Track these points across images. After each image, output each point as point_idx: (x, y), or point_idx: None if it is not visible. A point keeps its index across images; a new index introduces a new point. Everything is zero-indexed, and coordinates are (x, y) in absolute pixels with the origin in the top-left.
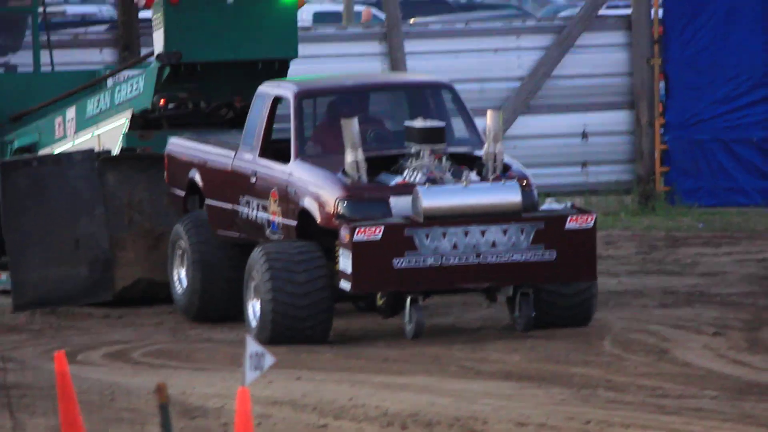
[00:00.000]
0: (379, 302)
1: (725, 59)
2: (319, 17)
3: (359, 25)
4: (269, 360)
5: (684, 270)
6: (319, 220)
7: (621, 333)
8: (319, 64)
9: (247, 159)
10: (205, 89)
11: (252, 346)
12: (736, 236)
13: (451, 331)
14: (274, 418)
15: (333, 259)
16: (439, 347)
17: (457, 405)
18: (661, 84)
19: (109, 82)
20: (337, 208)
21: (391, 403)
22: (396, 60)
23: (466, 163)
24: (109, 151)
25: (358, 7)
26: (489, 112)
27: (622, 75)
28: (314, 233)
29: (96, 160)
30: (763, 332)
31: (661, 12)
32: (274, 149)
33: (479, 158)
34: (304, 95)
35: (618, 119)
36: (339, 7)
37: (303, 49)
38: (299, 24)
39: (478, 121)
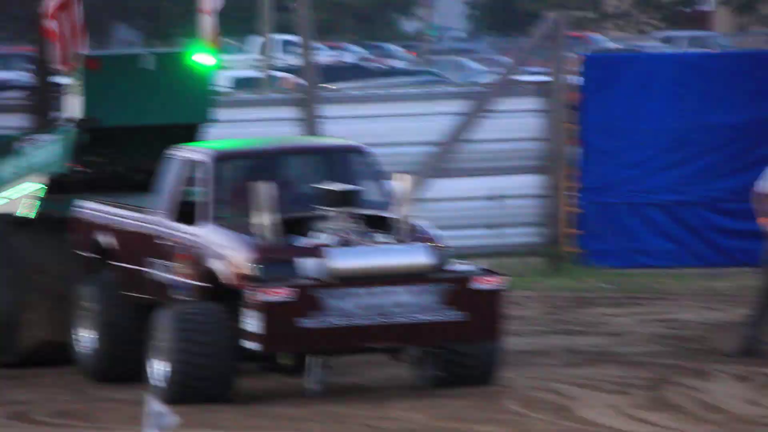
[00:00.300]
0: (283, 361)
1: (639, 125)
2: (240, 83)
3: (278, 90)
4: (173, 419)
5: (589, 330)
6: (226, 280)
7: (525, 391)
8: (235, 128)
9: (155, 221)
10: (116, 153)
11: (154, 405)
12: (641, 297)
13: (354, 390)
14: None
15: (237, 319)
16: (343, 406)
17: None
18: (576, 149)
19: (25, 146)
20: (247, 269)
21: None
22: (312, 125)
23: (376, 225)
24: (14, 214)
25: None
26: (399, 175)
27: (536, 140)
28: (219, 294)
29: (3, 222)
30: (666, 391)
31: (577, 79)
32: (184, 212)
33: (389, 220)
34: (217, 158)
35: (528, 183)
36: (260, 74)
37: (221, 113)
38: (220, 89)
39: (390, 184)
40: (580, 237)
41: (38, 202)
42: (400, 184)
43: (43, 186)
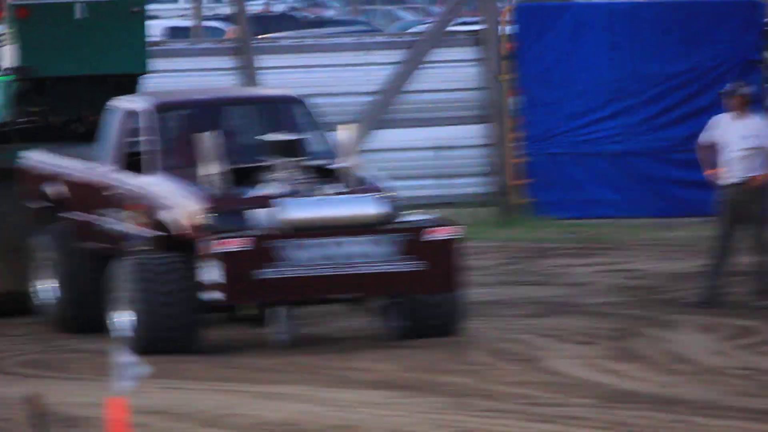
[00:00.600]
0: (245, 311)
1: (575, 75)
2: (172, 32)
3: (210, 40)
4: (143, 369)
5: (549, 280)
6: (176, 231)
7: (492, 342)
8: (173, 78)
9: (103, 172)
10: (56, 104)
11: (123, 355)
12: (598, 247)
13: (323, 341)
14: (150, 427)
15: (193, 270)
16: (311, 356)
17: (333, 414)
18: (514, 99)
19: None
20: (200, 219)
21: (267, 411)
22: (249, 75)
23: (323, 175)
24: None
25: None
26: (340, 127)
27: (475, 90)
28: (174, 245)
29: None
30: (631, 341)
31: (510, 28)
32: (129, 162)
33: (336, 171)
34: (160, 109)
35: (472, 133)
36: (191, 23)
37: (155, 63)
38: (151, 39)
39: (331, 136)
40: (530, 187)
41: None
42: (344, 134)
43: None
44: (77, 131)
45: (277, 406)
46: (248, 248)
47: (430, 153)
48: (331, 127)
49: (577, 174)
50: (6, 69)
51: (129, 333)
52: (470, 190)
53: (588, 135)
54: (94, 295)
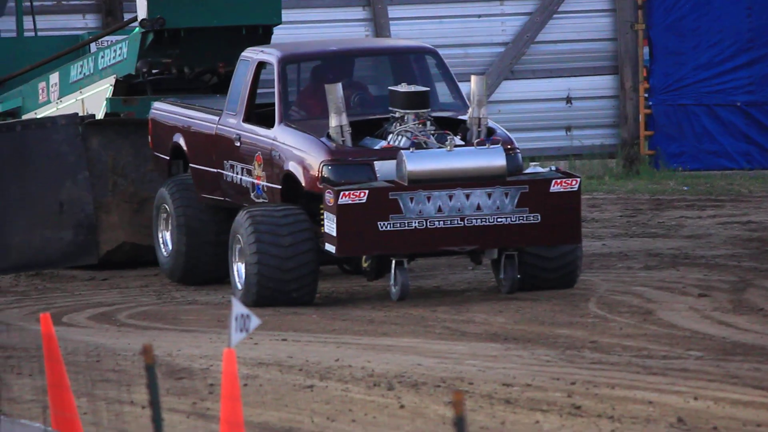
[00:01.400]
0: (365, 265)
1: (708, 24)
2: None
3: None
4: (255, 322)
5: (668, 233)
6: (303, 183)
7: (606, 295)
8: (303, 29)
9: (232, 124)
10: (189, 55)
11: (238, 307)
12: (720, 199)
13: (436, 294)
14: (260, 379)
15: (318, 222)
16: (424, 309)
17: (443, 366)
18: (645, 49)
19: (93, 47)
20: (322, 171)
21: (377, 363)
22: (380, 25)
23: (450, 127)
24: (93, 116)
25: None
26: (473, 77)
27: (606, 40)
28: (299, 197)
29: (80, 124)
30: (748, 293)
31: None
32: (258, 114)
33: (464, 123)
34: (289, 60)
35: (602, 84)
36: None
37: (286, 15)
38: None
39: (463, 87)
40: (653, 138)
41: (107, 104)
42: (474, 85)
43: (112, 87)
44: (210, 82)
45: (388, 359)
46: (361, 201)
47: (560, 104)
48: (462, 78)
49: (705, 125)
50: (141, 20)
51: (244, 285)
52: (596, 141)
53: (718, 86)
54: (213, 248)
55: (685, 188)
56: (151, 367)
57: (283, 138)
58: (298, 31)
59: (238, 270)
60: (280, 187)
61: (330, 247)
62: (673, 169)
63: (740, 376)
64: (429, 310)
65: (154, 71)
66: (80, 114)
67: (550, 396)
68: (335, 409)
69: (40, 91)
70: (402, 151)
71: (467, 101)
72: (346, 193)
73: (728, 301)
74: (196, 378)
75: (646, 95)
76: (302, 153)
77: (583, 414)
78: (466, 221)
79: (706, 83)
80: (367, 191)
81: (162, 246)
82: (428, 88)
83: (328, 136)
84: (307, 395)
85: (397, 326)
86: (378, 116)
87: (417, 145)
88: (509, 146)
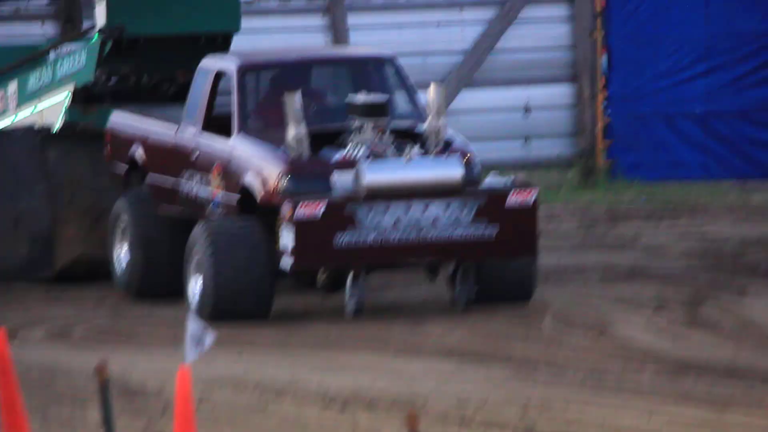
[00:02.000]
0: (321, 279)
1: (667, 33)
2: None
3: None
4: (210, 337)
5: (625, 245)
6: (260, 196)
7: (561, 309)
8: (262, 38)
9: (190, 134)
10: (148, 63)
11: (193, 323)
12: (676, 211)
13: (391, 309)
14: (214, 400)
15: (274, 235)
16: (380, 325)
17: (398, 384)
18: (604, 58)
19: (51, 55)
20: (279, 183)
21: (332, 381)
22: (339, 33)
23: (409, 137)
24: (50, 128)
25: None
26: (432, 86)
27: (565, 48)
28: (256, 209)
29: (37, 136)
30: (704, 308)
31: None
32: (217, 124)
33: (422, 133)
34: (247, 69)
35: (560, 93)
36: None
37: (245, 22)
38: None
39: (421, 95)
40: (610, 148)
41: (65, 113)
42: (433, 94)
43: (70, 96)
44: (169, 91)
45: (343, 377)
46: (320, 213)
47: (519, 113)
48: (421, 86)
49: (662, 135)
50: (100, 28)
51: (200, 299)
52: (554, 151)
53: (675, 95)
54: (169, 261)
55: (643, 199)
56: (105, 387)
57: (240, 148)
58: (258, 39)
59: (195, 284)
60: (237, 199)
61: (287, 261)
62: (630, 180)
63: (694, 394)
64: (384, 326)
65: (113, 80)
66: (39, 123)
67: (504, 416)
68: (289, 430)
69: None
70: (360, 162)
71: (425, 111)
72: (304, 205)
73: (684, 315)
74: (150, 397)
75: (605, 104)
76: (259, 164)
77: None
78: (422, 234)
79: (664, 92)
80: (324, 203)
81: (118, 260)
82: (387, 98)
83: (286, 147)
84: (261, 416)
85: (352, 342)
86: (336, 126)
87: (375, 156)
88: (467, 157)
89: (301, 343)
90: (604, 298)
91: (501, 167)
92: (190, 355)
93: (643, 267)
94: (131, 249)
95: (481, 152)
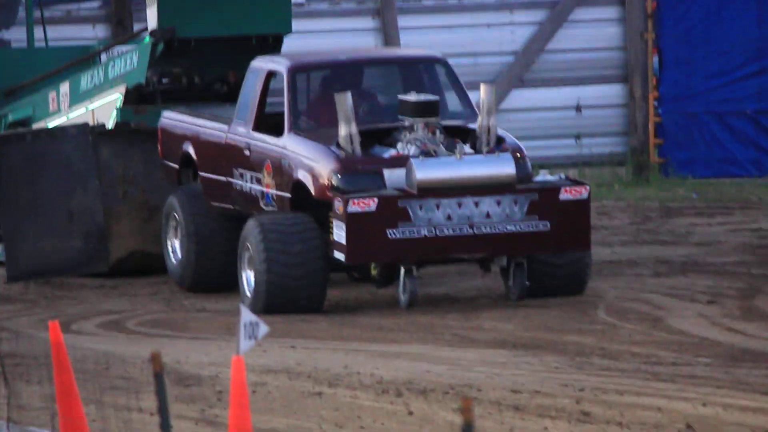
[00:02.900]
0: (374, 272)
1: (718, 34)
2: None
3: (353, 0)
4: (263, 329)
5: (678, 240)
6: (313, 192)
7: (615, 302)
8: (313, 39)
9: (241, 132)
10: (199, 64)
11: (246, 315)
12: (729, 206)
13: (445, 301)
14: (269, 386)
15: (327, 230)
16: (433, 316)
17: (452, 372)
18: (655, 58)
19: (103, 57)
20: (331, 180)
21: (386, 370)
22: (389, 35)
23: (459, 136)
24: (103, 125)
25: None
26: (482, 86)
27: (616, 49)
28: (308, 205)
29: (90, 134)
30: (757, 300)
31: None
32: (268, 123)
33: (473, 131)
34: (298, 69)
35: (611, 92)
36: None
37: (296, 24)
38: (293, 0)
39: (472, 95)
40: (662, 146)
41: (117, 114)
42: (484, 94)
43: (122, 97)
44: (220, 92)
45: (397, 365)
46: (371, 209)
47: (570, 113)
48: (471, 87)
49: (714, 133)
50: (151, 30)
51: (253, 293)
52: (605, 149)
53: (727, 94)
54: (221, 256)
55: (695, 195)
56: (160, 375)
57: (292, 147)
58: (308, 40)
59: (248, 278)
60: (289, 195)
61: (339, 255)
62: (682, 177)
63: (749, 383)
64: (438, 317)
65: (164, 81)
66: (90, 124)
67: (558, 402)
68: (344, 416)
69: (51, 100)
70: (411, 159)
71: (476, 110)
72: (356, 201)
73: (737, 308)
74: (204, 385)
75: (656, 104)
76: (312, 162)
77: (592, 420)
78: (475, 229)
79: (715, 92)
80: (376, 199)
81: (171, 254)
82: (437, 97)
83: (338, 145)
84: (315, 402)
85: (405, 333)
86: (387, 125)
87: (426, 154)
88: (518, 154)
89: (354, 335)
90: (657, 291)
91: (552, 165)
92: (243, 347)
93: (696, 261)
94: (184, 244)
95: (533, 150)
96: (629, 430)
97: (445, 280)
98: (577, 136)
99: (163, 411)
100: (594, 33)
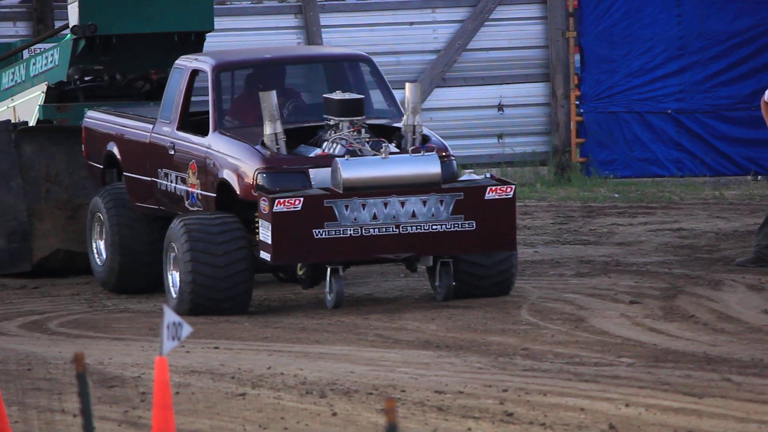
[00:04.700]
0: (300, 273)
1: (639, 32)
2: None
3: None
4: (187, 330)
5: (600, 240)
6: (238, 191)
7: (538, 302)
8: (235, 37)
9: (166, 132)
10: (121, 62)
11: (169, 315)
12: (651, 206)
13: (369, 301)
14: (192, 387)
15: (252, 230)
16: (357, 316)
17: (376, 373)
18: (576, 57)
19: (24, 54)
20: (257, 179)
21: (310, 371)
22: (311, 33)
23: (385, 135)
24: (26, 123)
25: None
26: (407, 85)
27: (538, 48)
28: (233, 205)
29: (13, 131)
30: (678, 300)
31: None
32: (192, 122)
33: (398, 130)
34: (223, 68)
35: (534, 91)
36: None
37: (218, 22)
38: None
39: (396, 94)
40: (584, 146)
41: (39, 111)
42: (409, 93)
43: (44, 94)
44: (142, 89)
45: (321, 366)
46: (297, 208)
47: (492, 111)
48: (395, 85)
49: (636, 132)
50: (72, 27)
51: (178, 294)
52: (528, 149)
53: (648, 93)
54: (146, 256)
55: (617, 195)
56: (83, 376)
57: (217, 146)
58: (231, 38)
59: (173, 279)
60: (214, 195)
61: (265, 255)
62: (604, 177)
63: (671, 383)
64: (362, 317)
65: (86, 78)
66: (12, 121)
67: (482, 403)
68: (267, 417)
69: None
70: (337, 158)
71: (402, 109)
72: (281, 200)
73: (659, 308)
74: (127, 386)
75: (578, 103)
76: (237, 161)
77: (515, 421)
78: (401, 228)
79: (637, 91)
80: (302, 199)
81: (96, 255)
82: (363, 96)
83: (263, 144)
84: (239, 403)
85: (329, 334)
86: (312, 124)
87: (352, 153)
88: (444, 153)
89: (277, 336)
90: (580, 292)
91: (476, 165)
92: (166, 347)
93: (619, 261)
94: (108, 245)
95: (455, 150)
96: (552, 431)
97: (369, 281)
98: (500, 136)
99: (86, 412)
100: (516, 31)
